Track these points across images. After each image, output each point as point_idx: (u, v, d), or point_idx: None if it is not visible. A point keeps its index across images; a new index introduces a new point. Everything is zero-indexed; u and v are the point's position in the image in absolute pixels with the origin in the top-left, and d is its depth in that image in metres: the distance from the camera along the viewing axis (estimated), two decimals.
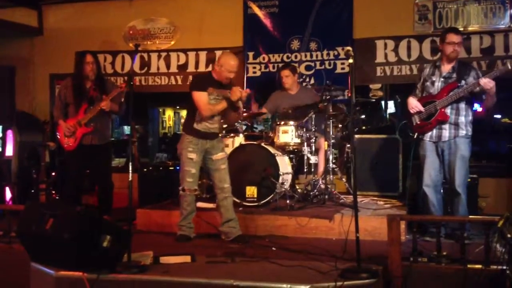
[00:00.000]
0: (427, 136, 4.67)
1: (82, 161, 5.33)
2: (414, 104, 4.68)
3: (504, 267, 3.26)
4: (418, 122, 4.70)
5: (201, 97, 4.57)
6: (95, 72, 5.33)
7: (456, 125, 4.57)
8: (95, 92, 5.28)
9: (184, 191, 4.66)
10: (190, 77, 7.17)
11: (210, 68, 7.05)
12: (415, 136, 4.73)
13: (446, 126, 4.58)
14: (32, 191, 6.22)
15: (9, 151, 6.73)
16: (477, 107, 7.41)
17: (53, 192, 6.15)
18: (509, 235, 3.18)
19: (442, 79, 4.64)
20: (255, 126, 6.73)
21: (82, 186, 5.52)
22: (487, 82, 4.31)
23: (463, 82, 4.54)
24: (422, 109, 4.64)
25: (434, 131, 4.63)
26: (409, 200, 5.36)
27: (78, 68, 5.35)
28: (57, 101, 5.51)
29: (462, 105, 4.58)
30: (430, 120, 4.62)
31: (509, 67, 4.43)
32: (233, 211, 4.73)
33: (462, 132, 4.57)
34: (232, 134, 5.86)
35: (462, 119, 4.58)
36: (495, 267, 3.40)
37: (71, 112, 5.32)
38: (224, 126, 5.67)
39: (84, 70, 5.29)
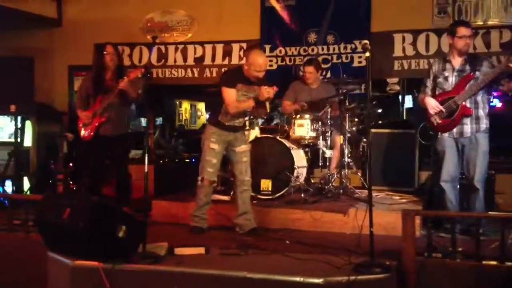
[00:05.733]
0: (446, 132, 4.60)
1: (98, 151, 5.39)
2: (434, 104, 4.57)
3: None
4: (440, 121, 4.59)
5: (229, 94, 4.58)
6: (115, 63, 5.41)
7: (477, 118, 4.50)
8: (112, 82, 5.34)
9: (203, 181, 4.69)
10: (207, 70, 7.25)
11: (226, 61, 7.11)
12: (439, 136, 4.64)
13: (468, 120, 4.50)
14: (50, 181, 6.31)
15: (28, 141, 6.83)
16: (496, 102, 7.33)
17: (71, 182, 6.22)
18: None
19: (455, 73, 4.56)
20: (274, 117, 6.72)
21: (101, 177, 5.55)
22: None
23: (477, 73, 4.46)
24: (442, 108, 4.54)
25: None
26: (425, 195, 5.32)
27: (99, 59, 5.45)
28: (78, 92, 5.62)
29: (479, 98, 4.51)
30: (453, 117, 4.51)
31: None
32: (249, 204, 4.76)
33: (483, 126, 4.51)
34: (247, 127, 5.87)
35: (481, 112, 4.51)
36: (510, 263, 3.37)
37: (90, 103, 5.40)
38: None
39: (104, 61, 5.37)
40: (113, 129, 5.37)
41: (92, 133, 5.33)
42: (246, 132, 5.79)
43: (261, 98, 4.57)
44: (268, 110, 4.99)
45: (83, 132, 5.38)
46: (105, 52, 5.37)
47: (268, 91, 4.54)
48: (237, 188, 4.76)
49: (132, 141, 6.08)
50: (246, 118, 4.91)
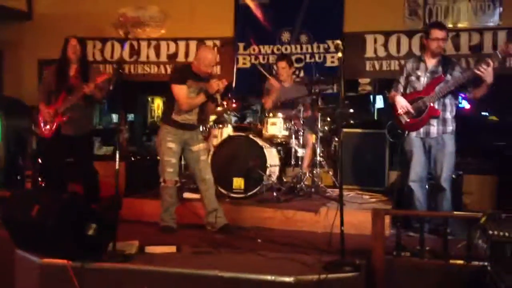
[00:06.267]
0: (414, 132, 4.68)
1: (60, 149, 5.29)
2: (403, 103, 4.64)
3: (486, 263, 3.31)
4: (408, 120, 4.66)
5: (180, 91, 4.56)
6: (78, 56, 5.29)
7: (444, 121, 4.58)
8: (77, 80, 5.22)
9: (165, 182, 4.64)
10: None
11: None
12: (406, 135, 4.70)
13: (435, 122, 4.58)
14: (18, 177, 6.19)
15: None
16: (465, 104, 7.48)
17: (40, 179, 6.12)
18: (490, 232, 3.23)
19: (428, 74, 4.64)
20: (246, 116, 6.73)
21: (65, 175, 5.45)
22: (486, 68, 4.24)
23: (449, 76, 4.55)
24: (410, 109, 4.62)
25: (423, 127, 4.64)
26: (394, 194, 5.39)
27: (63, 52, 5.32)
28: (41, 86, 5.51)
29: (448, 101, 4.59)
30: (421, 117, 4.59)
31: (499, 55, 4.30)
32: (216, 201, 4.73)
33: (449, 128, 4.59)
34: (220, 125, 5.86)
35: (448, 114, 4.60)
36: (476, 263, 3.44)
37: (52, 99, 5.28)
38: (211, 117, 5.68)
39: (67, 54, 5.26)
40: (76, 129, 5.24)
41: (52, 131, 5.23)
42: (219, 130, 5.82)
43: (211, 91, 4.54)
44: (219, 104, 4.94)
45: (43, 128, 5.27)
46: (68, 45, 5.27)
47: (217, 83, 4.53)
48: (200, 187, 4.73)
49: (102, 137, 5.97)
50: (198, 115, 4.83)
